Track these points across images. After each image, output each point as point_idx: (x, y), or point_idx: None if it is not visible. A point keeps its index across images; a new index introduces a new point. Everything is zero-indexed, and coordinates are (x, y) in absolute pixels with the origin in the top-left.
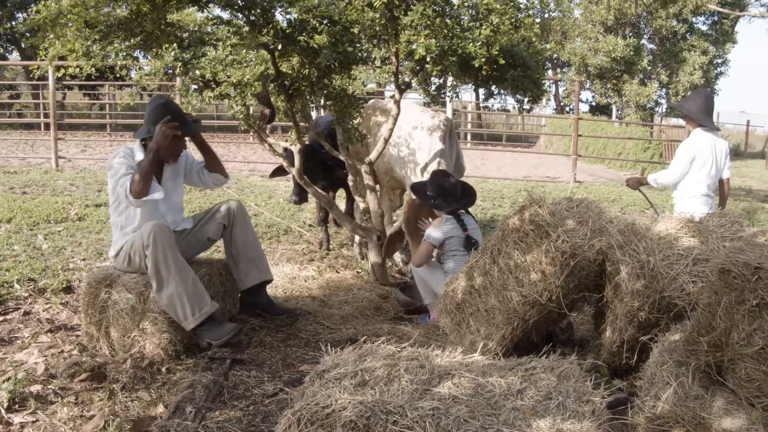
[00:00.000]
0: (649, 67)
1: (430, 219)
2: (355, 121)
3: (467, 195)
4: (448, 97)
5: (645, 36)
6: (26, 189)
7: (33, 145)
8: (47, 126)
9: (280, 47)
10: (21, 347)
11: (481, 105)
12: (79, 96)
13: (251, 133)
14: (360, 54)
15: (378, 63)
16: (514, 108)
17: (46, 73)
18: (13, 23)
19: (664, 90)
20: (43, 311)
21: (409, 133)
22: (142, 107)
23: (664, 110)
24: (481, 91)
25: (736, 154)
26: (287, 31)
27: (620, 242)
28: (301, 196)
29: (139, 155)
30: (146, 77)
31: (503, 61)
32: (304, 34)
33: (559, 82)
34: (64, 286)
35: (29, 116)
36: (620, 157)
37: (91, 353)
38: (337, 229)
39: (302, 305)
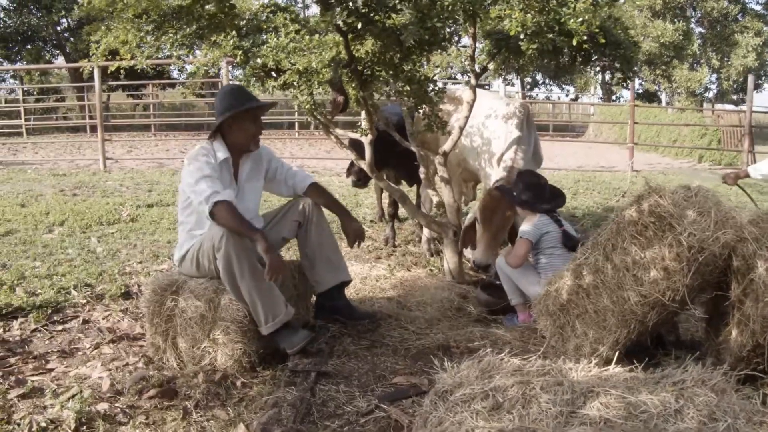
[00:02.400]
0: (699, 52)
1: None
2: (436, 108)
3: (556, 196)
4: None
5: (693, 20)
6: (76, 191)
7: (80, 148)
8: (93, 128)
9: (359, 26)
10: (83, 360)
11: (527, 94)
12: (122, 97)
13: (296, 130)
14: (446, 32)
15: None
16: (559, 97)
17: (92, 74)
18: (58, 28)
19: (715, 75)
20: (103, 319)
21: (483, 122)
22: (186, 107)
23: (713, 95)
24: (527, 79)
25: None
26: (363, 10)
27: (755, 234)
28: (359, 177)
29: (222, 153)
30: (204, 66)
31: (603, 40)
32: (380, 14)
33: (606, 71)
34: (122, 291)
35: (74, 119)
36: (675, 144)
37: (157, 366)
38: (398, 224)
39: (379, 307)
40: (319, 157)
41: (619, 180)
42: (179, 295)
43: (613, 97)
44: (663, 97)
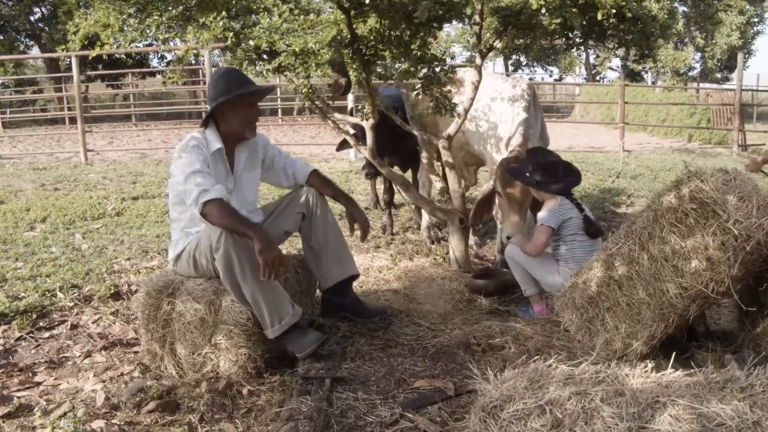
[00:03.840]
0: (683, 31)
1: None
2: (444, 89)
3: (569, 173)
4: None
5: None
6: (58, 185)
7: (59, 140)
8: (72, 120)
9: (367, 1)
10: (74, 371)
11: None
12: (101, 87)
13: (279, 116)
14: (461, 7)
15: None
16: (543, 78)
17: (70, 64)
18: (32, 18)
19: (699, 54)
20: (93, 323)
21: (488, 105)
22: (166, 96)
23: (697, 74)
24: (510, 61)
25: None
26: None
27: None
28: (372, 167)
29: (215, 143)
30: (193, 50)
31: (630, 14)
32: None
33: (589, 50)
34: (111, 292)
35: (53, 111)
36: (664, 123)
37: (155, 375)
38: (395, 211)
39: (386, 301)
40: (304, 143)
41: (611, 161)
42: (176, 297)
43: (597, 78)
44: (648, 77)
